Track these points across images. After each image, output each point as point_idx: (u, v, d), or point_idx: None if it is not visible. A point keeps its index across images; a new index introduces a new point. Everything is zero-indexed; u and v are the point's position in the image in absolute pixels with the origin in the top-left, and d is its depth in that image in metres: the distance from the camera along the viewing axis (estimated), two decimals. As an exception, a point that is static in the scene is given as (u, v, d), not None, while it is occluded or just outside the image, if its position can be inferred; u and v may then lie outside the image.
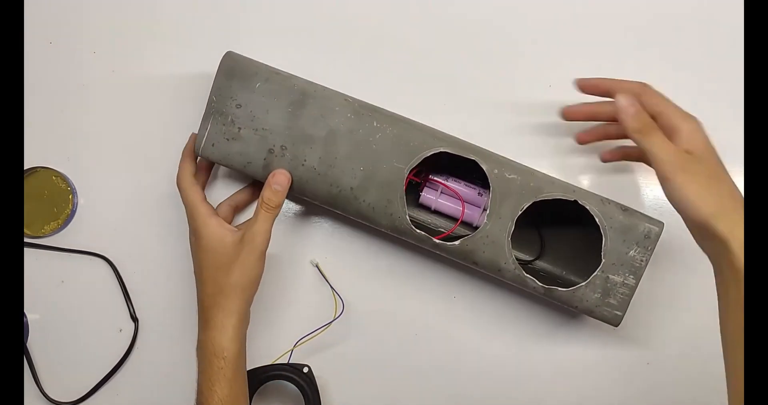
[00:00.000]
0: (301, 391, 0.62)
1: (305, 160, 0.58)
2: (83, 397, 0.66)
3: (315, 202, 0.60)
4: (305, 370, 0.62)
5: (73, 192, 0.67)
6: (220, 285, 0.56)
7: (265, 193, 0.57)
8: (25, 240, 0.67)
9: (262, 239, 0.57)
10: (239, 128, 0.58)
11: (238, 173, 0.66)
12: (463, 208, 0.60)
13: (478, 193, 0.61)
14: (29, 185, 0.66)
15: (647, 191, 0.65)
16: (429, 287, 0.66)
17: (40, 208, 0.66)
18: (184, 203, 0.60)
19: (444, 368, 0.66)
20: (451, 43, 0.67)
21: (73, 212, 0.67)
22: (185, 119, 0.65)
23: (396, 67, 0.67)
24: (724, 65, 0.66)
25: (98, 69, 0.68)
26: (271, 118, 0.58)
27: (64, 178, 0.67)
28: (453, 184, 0.61)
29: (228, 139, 0.58)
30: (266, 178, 0.58)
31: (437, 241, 0.58)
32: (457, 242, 0.57)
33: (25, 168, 0.66)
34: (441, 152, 0.57)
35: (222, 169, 0.67)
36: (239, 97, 0.58)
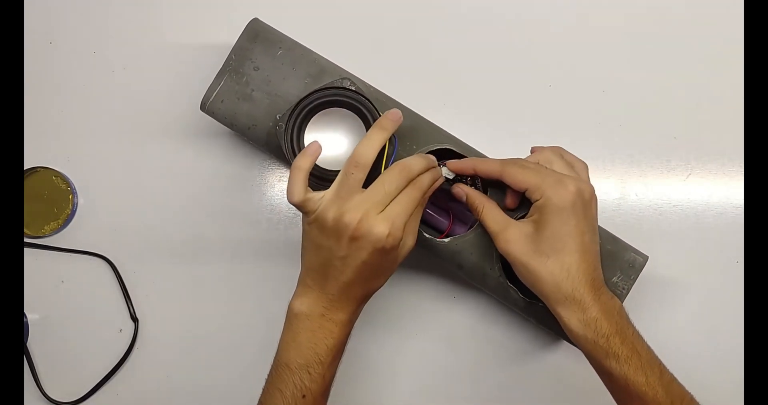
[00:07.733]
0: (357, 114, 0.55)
1: None
2: (83, 397, 0.65)
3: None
4: (347, 83, 0.55)
5: (73, 192, 0.67)
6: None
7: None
8: (25, 240, 0.66)
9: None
10: (252, 90, 0.58)
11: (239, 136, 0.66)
12: (451, 220, 0.60)
13: (467, 208, 0.60)
14: (29, 185, 0.66)
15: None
16: (429, 287, 0.66)
17: (40, 208, 0.66)
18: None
19: (444, 368, 0.66)
20: (452, 43, 0.67)
21: (73, 212, 0.67)
22: (185, 119, 0.65)
23: (393, 64, 0.67)
24: (724, 65, 0.66)
25: (98, 69, 0.68)
26: (287, 85, 0.58)
27: (64, 178, 0.67)
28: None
29: (238, 99, 0.58)
30: (268, 146, 0.57)
31: (427, 235, 0.57)
32: (446, 239, 0.57)
33: (25, 168, 0.66)
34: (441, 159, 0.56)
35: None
36: (258, 61, 0.58)
